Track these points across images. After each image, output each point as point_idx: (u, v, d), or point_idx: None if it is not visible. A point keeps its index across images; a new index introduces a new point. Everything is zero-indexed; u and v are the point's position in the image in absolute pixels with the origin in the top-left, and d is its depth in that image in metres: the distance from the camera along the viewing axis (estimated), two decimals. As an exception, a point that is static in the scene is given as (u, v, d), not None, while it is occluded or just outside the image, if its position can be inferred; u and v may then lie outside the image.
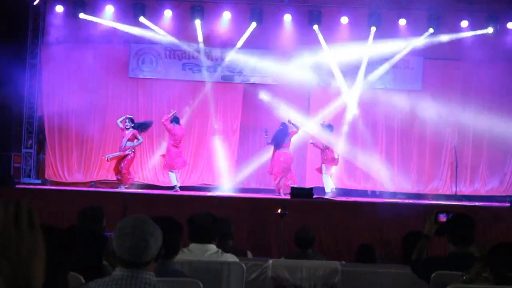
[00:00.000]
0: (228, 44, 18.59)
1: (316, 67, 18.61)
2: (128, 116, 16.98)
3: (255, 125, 18.88)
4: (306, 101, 19.05)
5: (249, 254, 7.69)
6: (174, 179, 16.80)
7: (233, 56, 18.64)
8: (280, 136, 16.81)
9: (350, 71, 18.68)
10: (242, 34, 18.47)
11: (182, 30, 18.55)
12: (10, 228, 1.58)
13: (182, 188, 17.16)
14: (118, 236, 3.59)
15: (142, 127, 16.96)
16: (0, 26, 17.83)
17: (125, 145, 16.70)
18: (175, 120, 16.79)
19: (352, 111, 18.57)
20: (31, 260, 1.59)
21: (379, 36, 18.37)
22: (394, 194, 18.28)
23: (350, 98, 18.58)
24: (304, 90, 18.82)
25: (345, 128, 18.65)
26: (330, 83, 18.75)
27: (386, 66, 18.55)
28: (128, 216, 3.68)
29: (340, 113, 18.77)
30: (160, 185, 17.86)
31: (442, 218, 5.79)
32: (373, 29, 18.30)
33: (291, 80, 18.43)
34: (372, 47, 18.43)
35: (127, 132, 16.65)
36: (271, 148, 16.89)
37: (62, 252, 2.16)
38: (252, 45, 18.64)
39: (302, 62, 18.44)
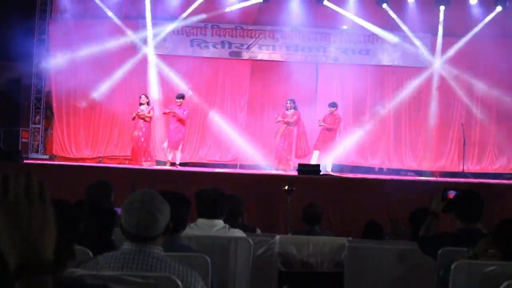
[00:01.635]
0: (236, 20, 18.57)
1: (325, 43, 18.65)
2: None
3: (263, 101, 18.87)
4: (314, 78, 19.02)
5: (258, 231, 7.71)
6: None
7: (240, 33, 18.64)
8: None
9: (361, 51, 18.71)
10: (250, 10, 18.43)
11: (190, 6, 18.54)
12: (21, 199, 1.59)
13: (190, 164, 17.25)
14: (126, 210, 3.61)
15: None
16: (9, 2, 17.82)
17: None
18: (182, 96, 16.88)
19: None
20: (41, 231, 1.60)
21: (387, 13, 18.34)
22: (401, 171, 18.28)
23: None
24: (312, 67, 18.82)
25: (352, 105, 18.69)
26: (338, 59, 18.74)
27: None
28: (136, 191, 3.70)
29: (347, 90, 18.77)
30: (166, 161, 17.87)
31: (450, 194, 5.80)
32: (385, 5, 18.22)
33: (299, 57, 18.48)
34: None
35: (143, 107, 16.64)
36: (280, 124, 16.92)
37: (69, 225, 2.18)
38: (260, 21, 18.66)
39: (311, 38, 18.50)
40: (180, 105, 16.69)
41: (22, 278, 1.57)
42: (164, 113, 17.07)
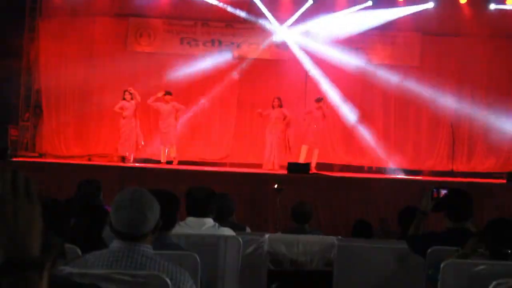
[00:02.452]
0: (226, 18, 18.55)
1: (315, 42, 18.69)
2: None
3: (253, 100, 18.84)
4: (303, 77, 18.99)
5: (248, 230, 7.71)
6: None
7: (230, 30, 18.64)
8: None
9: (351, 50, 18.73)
10: (240, 7, 18.39)
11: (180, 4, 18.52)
12: (7, 196, 1.58)
13: (180, 162, 17.26)
14: (115, 208, 3.60)
15: None
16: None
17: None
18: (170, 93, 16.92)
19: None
20: (28, 228, 1.59)
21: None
22: (390, 170, 18.30)
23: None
24: (301, 67, 18.77)
25: (341, 104, 18.72)
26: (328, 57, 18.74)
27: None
28: (126, 189, 3.69)
29: (336, 88, 18.78)
30: (157, 159, 17.82)
31: (439, 194, 5.80)
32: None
33: (288, 55, 18.50)
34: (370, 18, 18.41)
35: (128, 104, 16.68)
36: (267, 123, 16.94)
37: (58, 222, 2.17)
38: (250, 19, 18.65)
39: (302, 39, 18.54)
40: (167, 102, 16.71)
41: (8, 275, 1.56)
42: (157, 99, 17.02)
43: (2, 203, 1.58)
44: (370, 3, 18.08)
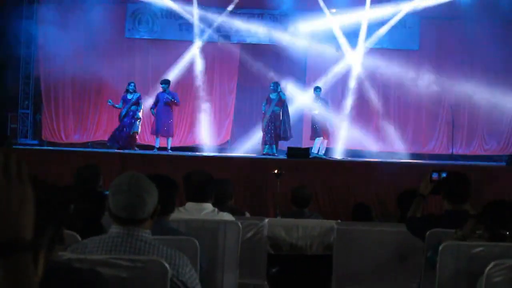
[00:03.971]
0: (225, 4, 18.52)
1: (314, 31, 18.64)
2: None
3: (252, 85, 18.85)
4: (302, 63, 18.99)
5: (247, 215, 7.71)
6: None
7: (229, 17, 18.63)
8: None
9: (349, 35, 18.67)
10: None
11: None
12: None
13: (179, 148, 17.24)
14: (113, 193, 3.59)
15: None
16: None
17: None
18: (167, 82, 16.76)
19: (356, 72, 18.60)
20: (20, 210, 1.59)
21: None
22: (390, 154, 18.30)
23: (353, 60, 18.57)
24: (300, 53, 18.73)
25: (341, 88, 18.74)
26: (327, 47, 18.72)
27: (385, 28, 18.51)
28: (124, 174, 3.67)
29: (337, 77, 18.78)
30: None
31: (438, 176, 5.81)
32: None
33: (288, 42, 18.45)
34: (371, 11, 18.36)
35: (129, 96, 16.50)
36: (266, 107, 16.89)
37: (57, 208, 2.16)
38: (249, 5, 18.61)
39: (300, 25, 18.49)
40: (164, 91, 16.54)
41: (1, 257, 1.56)
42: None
43: None
44: None
